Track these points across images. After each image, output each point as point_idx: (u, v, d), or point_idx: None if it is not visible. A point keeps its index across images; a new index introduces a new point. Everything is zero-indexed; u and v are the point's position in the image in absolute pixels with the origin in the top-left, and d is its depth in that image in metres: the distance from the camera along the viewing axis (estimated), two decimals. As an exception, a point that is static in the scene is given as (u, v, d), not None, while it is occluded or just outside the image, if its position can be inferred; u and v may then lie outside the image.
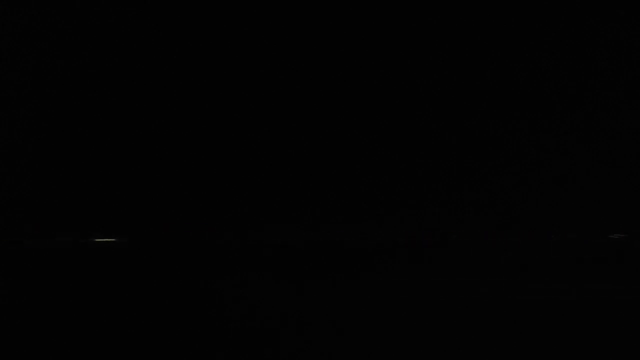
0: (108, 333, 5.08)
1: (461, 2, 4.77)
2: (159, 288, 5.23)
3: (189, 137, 4.66)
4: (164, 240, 4.90)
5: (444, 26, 4.79)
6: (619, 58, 5.43)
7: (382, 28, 4.73)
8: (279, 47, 4.77)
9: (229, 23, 4.58)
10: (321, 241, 6.15)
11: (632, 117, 5.88)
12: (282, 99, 4.88)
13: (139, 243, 5.06)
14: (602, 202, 6.13)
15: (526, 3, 4.76)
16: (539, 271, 10.49)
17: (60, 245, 5.85)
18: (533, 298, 6.54)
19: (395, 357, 4.97)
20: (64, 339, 5.19)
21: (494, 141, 5.55)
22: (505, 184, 6.06)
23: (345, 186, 5.88)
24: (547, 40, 5.00)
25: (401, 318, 5.90)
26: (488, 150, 5.78)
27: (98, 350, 4.84)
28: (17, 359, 4.98)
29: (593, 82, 5.48)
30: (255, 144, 4.75)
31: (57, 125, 4.70)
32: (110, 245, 5.55)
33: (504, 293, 7.09)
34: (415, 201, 5.81)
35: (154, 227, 4.83)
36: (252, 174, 4.78)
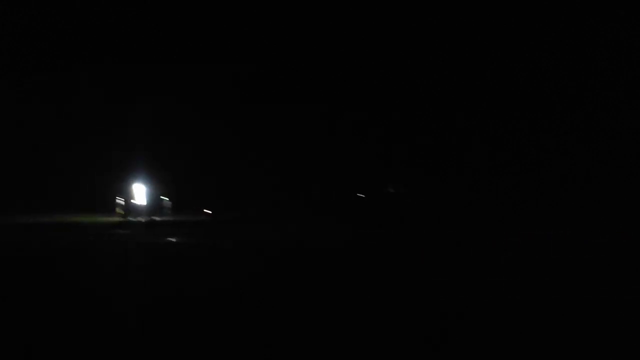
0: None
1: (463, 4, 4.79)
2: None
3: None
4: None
5: (443, 28, 4.81)
6: (619, 58, 5.44)
7: (381, 31, 4.75)
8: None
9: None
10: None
11: (632, 118, 5.90)
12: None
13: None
14: (601, 202, 6.15)
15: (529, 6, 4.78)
16: (539, 271, 10.35)
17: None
18: (533, 297, 6.55)
19: (397, 355, 4.98)
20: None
21: (493, 142, 5.57)
22: (505, 185, 6.08)
23: (343, 187, 5.89)
24: (548, 41, 5.02)
25: (400, 317, 5.92)
26: (489, 152, 5.81)
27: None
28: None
29: (593, 82, 5.49)
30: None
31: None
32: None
33: (504, 293, 7.08)
34: (416, 201, 5.82)
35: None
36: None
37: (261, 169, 32.67)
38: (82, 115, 32.65)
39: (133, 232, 18.84)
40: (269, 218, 24.95)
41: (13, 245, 14.42)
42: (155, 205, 26.01)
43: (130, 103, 31.71)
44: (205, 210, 26.67)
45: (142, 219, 23.32)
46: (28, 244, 14.57)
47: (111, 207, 24.72)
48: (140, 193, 24.82)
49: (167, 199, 28.07)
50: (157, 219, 24.70)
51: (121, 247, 14.04)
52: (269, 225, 22.25)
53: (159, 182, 27.57)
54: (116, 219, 23.29)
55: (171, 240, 15.52)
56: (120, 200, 23.99)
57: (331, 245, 15.19)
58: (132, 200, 24.29)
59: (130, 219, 22.79)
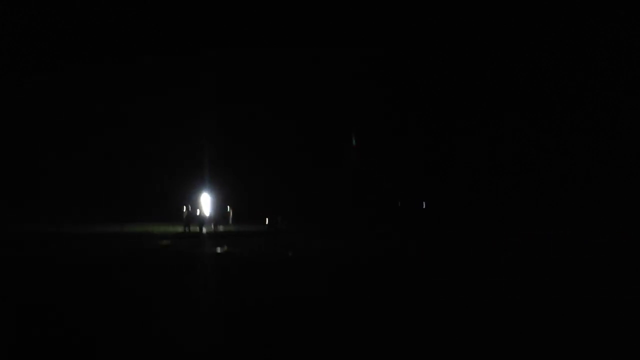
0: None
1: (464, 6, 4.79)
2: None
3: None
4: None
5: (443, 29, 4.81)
6: (619, 58, 5.44)
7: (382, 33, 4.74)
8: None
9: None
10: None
11: (632, 118, 5.90)
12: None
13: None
14: (601, 202, 6.15)
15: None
16: (539, 271, 10.32)
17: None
18: (533, 297, 6.54)
19: (399, 355, 4.99)
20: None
21: (493, 142, 5.57)
22: (505, 185, 6.09)
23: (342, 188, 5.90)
24: (548, 41, 5.02)
25: (400, 317, 5.92)
26: (489, 152, 5.81)
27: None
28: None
29: (593, 82, 5.50)
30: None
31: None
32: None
33: (503, 292, 7.06)
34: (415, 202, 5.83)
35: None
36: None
37: (323, 179, 32.50)
38: (153, 127, 32.87)
39: (186, 242, 18.60)
40: (330, 228, 25.12)
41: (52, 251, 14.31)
42: (219, 215, 26.10)
43: (204, 115, 31.77)
44: (266, 221, 26.74)
45: (204, 229, 23.28)
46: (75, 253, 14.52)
47: (181, 217, 24.77)
48: (206, 203, 24.89)
49: (231, 209, 28.23)
50: (221, 228, 24.74)
51: (159, 258, 13.54)
52: (328, 236, 22.37)
53: (225, 193, 27.72)
54: (179, 229, 23.21)
55: (216, 252, 15.08)
56: (186, 211, 24.00)
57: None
58: (197, 211, 24.33)
59: (192, 229, 22.70)
